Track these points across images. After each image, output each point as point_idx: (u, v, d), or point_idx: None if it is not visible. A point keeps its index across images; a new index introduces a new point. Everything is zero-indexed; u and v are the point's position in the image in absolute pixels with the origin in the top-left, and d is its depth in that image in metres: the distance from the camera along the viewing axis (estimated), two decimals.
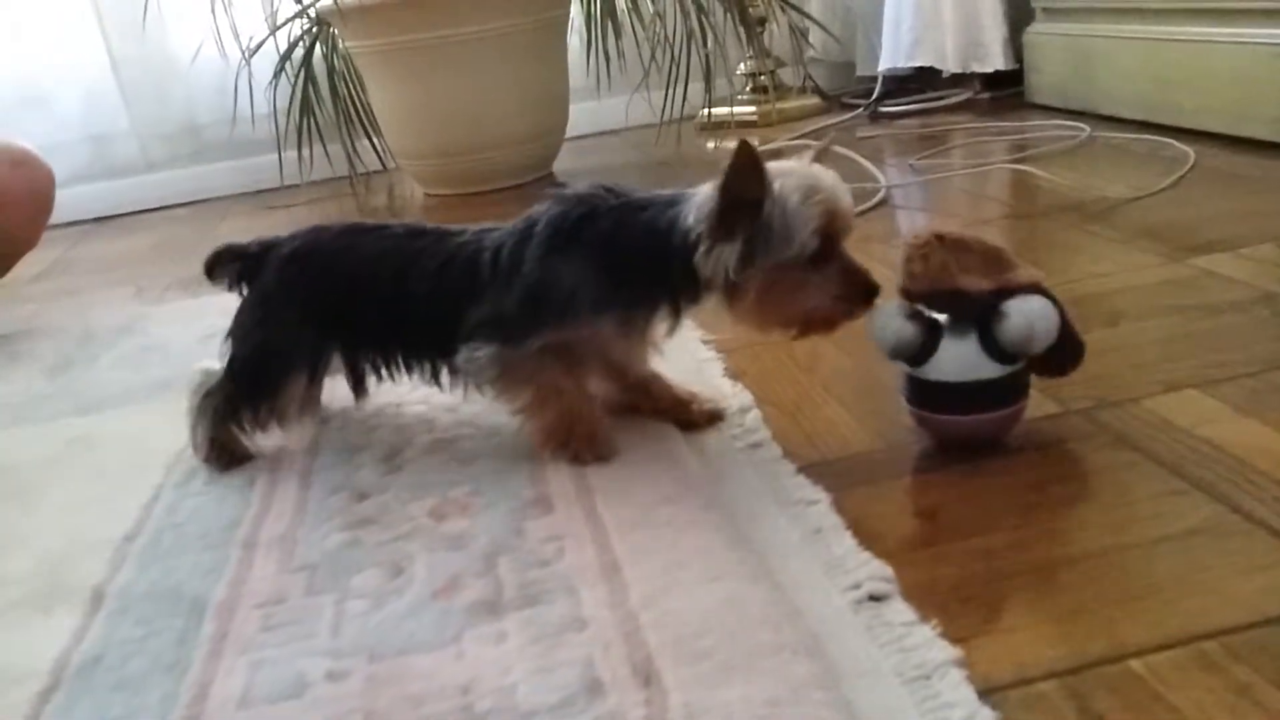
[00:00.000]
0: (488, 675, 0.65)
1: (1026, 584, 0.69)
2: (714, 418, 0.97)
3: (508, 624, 0.70)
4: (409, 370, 0.98)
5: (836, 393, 1.01)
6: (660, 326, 0.92)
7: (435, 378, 0.96)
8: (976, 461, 0.85)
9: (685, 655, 0.64)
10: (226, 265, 1.01)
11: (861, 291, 0.85)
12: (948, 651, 0.62)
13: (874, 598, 0.68)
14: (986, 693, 0.59)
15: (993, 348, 0.83)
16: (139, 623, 0.76)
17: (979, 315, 0.84)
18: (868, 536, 0.75)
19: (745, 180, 0.82)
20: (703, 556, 0.74)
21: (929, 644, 0.63)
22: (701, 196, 0.85)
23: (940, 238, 0.85)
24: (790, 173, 0.85)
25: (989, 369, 0.83)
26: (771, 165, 0.84)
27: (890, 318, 0.85)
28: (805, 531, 0.77)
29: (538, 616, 0.70)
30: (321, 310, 0.97)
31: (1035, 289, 0.85)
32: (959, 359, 0.84)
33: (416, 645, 0.69)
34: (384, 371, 0.99)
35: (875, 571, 0.70)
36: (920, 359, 0.85)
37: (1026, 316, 0.82)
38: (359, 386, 1.01)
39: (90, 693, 0.69)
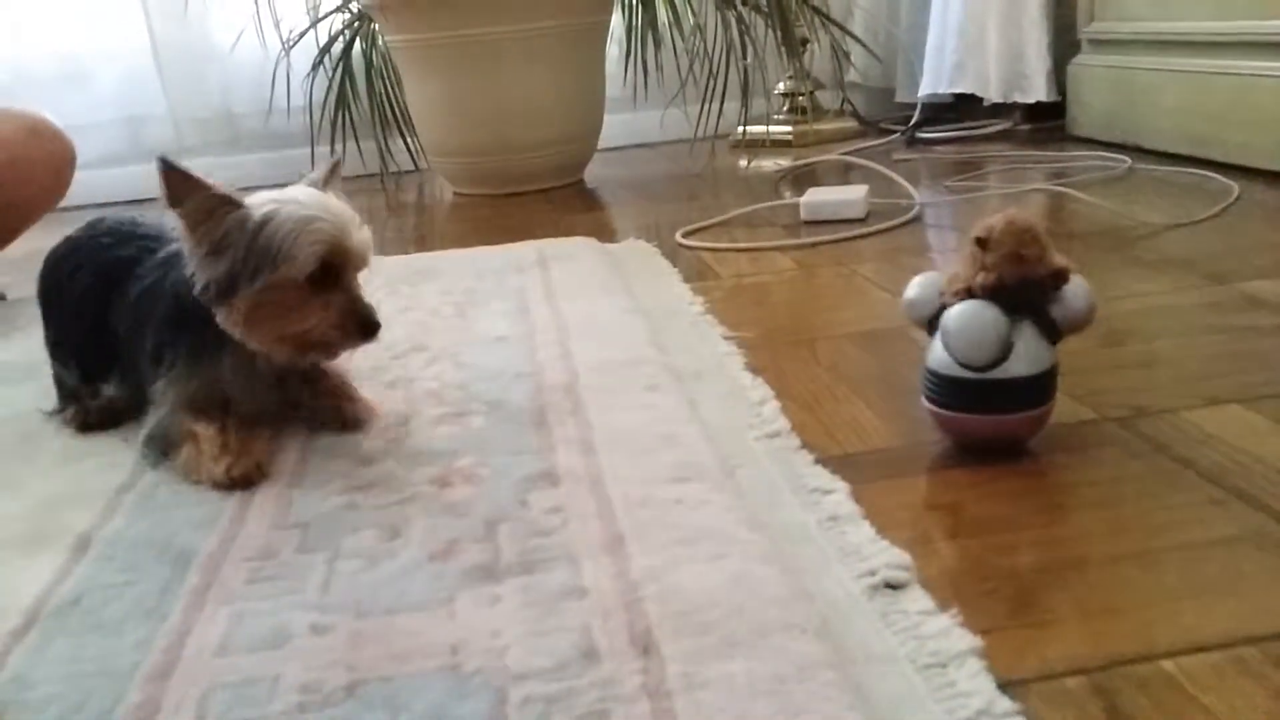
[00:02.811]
0: (478, 637, 0.61)
1: (1054, 581, 0.66)
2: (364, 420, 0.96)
3: (504, 589, 0.66)
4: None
5: (859, 390, 0.98)
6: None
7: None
8: (1003, 462, 0.81)
9: (687, 628, 0.60)
10: None
11: (359, 324, 0.88)
12: (966, 640, 0.58)
13: (890, 585, 0.64)
14: (1007, 685, 0.55)
15: (1050, 329, 0.80)
16: (123, 569, 0.73)
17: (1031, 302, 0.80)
18: (886, 527, 0.71)
19: (178, 189, 0.84)
20: (711, 535, 0.70)
21: (946, 632, 0.59)
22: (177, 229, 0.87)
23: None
24: (291, 199, 0.88)
25: (1039, 361, 0.80)
26: (271, 192, 0.88)
27: (993, 318, 0.79)
28: (821, 518, 0.74)
29: (536, 583, 0.67)
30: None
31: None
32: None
33: (407, 604, 0.66)
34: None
35: (892, 559, 0.66)
36: (1003, 359, 0.79)
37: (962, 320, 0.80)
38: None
39: (65, 633, 0.66)
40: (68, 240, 1.06)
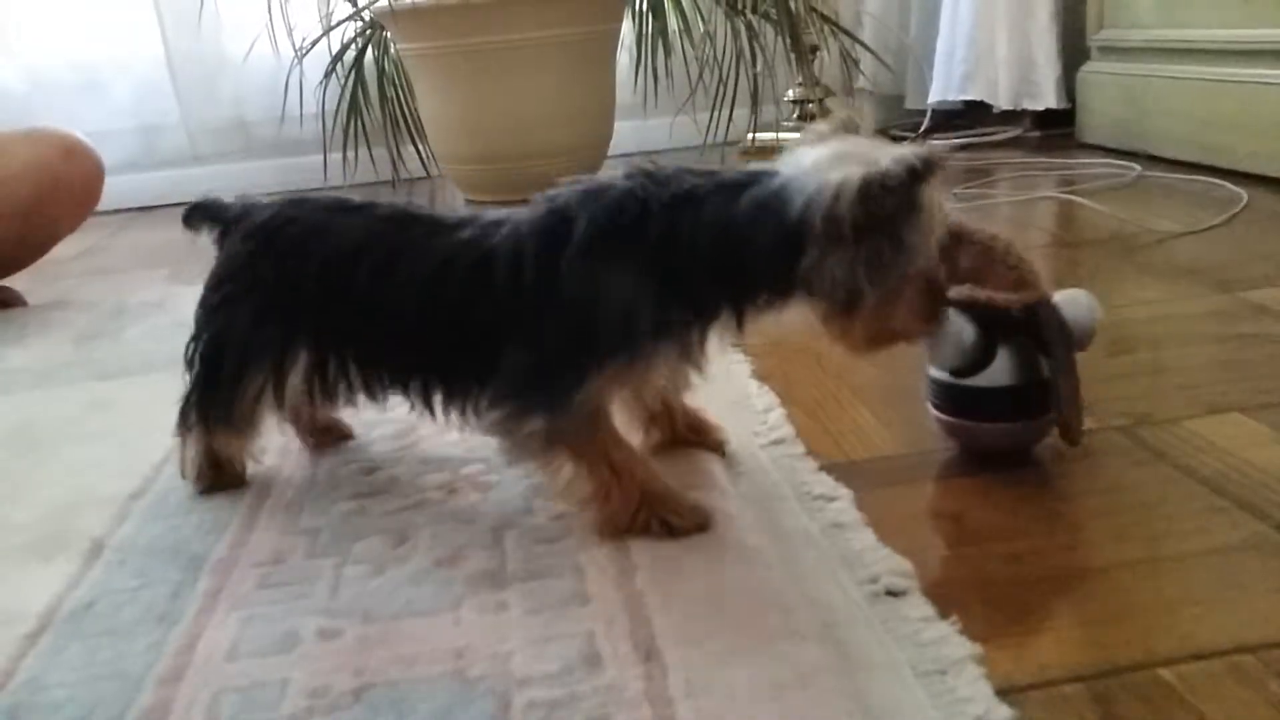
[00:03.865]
0: (484, 642, 0.62)
1: (1053, 589, 0.66)
2: (721, 447, 0.87)
3: (509, 595, 0.67)
4: (393, 389, 0.81)
5: (864, 397, 0.99)
6: (716, 339, 0.75)
7: (427, 404, 0.79)
8: (1006, 470, 0.81)
9: (691, 635, 0.61)
10: (202, 222, 0.87)
11: (940, 305, 0.75)
12: (966, 648, 0.59)
13: (891, 593, 0.65)
14: (1005, 692, 0.56)
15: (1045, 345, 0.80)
16: (135, 574, 0.74)
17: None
18: (888, 534, 0.72)
19: (900, 196, 0.66)
20: (715, 542, 0.71)
21: (946, 639, 0.60)
22: (821, 187, 0.66)
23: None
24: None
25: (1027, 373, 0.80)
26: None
27: (957, 326, 0.79)
28: (823, 525, 0.74)
29: (541, 589, 0.67)
30: (288, 299, 0.81)
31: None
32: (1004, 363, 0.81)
33: (414, 610, 0.67)
34: (361, 386, 0.81)
35: (894, 566, 0.67)
36: (979, 367, 0.80)
37: (1070, 306, 0.79)
38: (327, 394, 0.82)
39: (79, 637, 0.67)
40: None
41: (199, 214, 0.88)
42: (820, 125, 0.75)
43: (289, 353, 0.81)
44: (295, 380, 0.81)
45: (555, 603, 0.66)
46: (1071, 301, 0.81)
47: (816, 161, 0.69)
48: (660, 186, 0.71)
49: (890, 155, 0.66)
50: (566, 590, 0.67)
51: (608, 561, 0.70)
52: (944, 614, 0.62)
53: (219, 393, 0.84)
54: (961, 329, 0.79)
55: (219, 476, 0.87)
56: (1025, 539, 0.72)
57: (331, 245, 0.80)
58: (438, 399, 0.78)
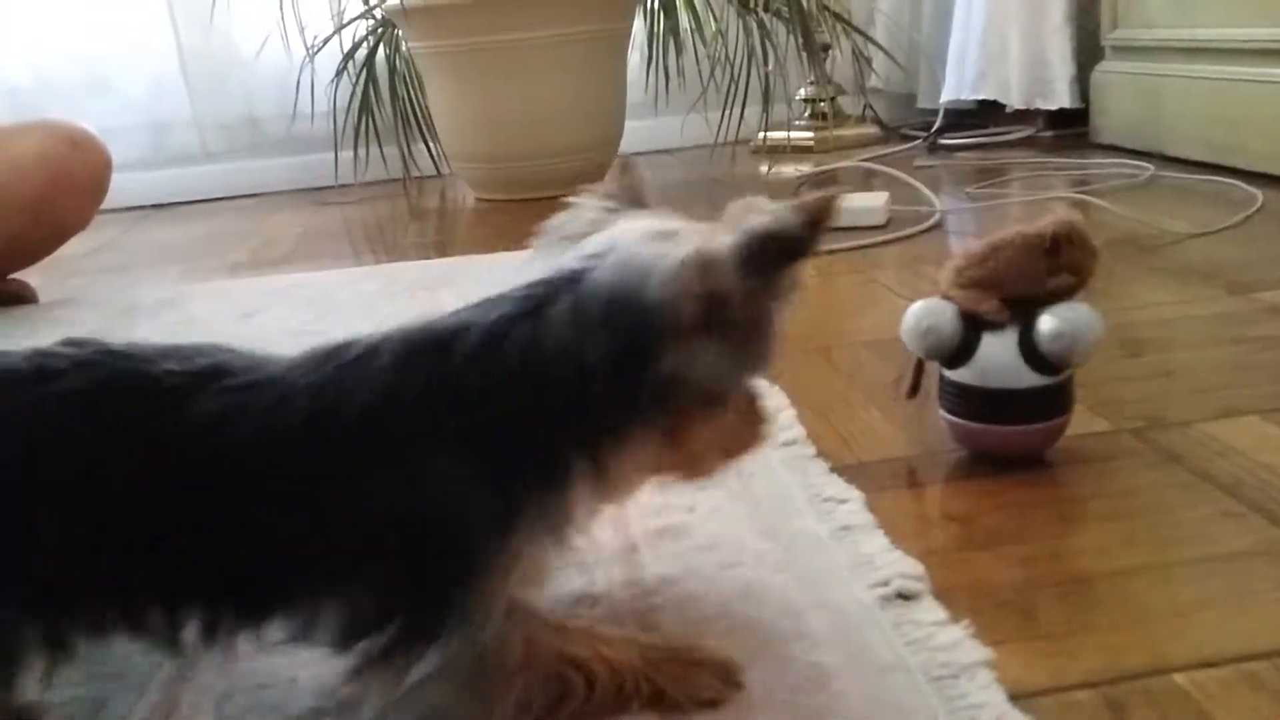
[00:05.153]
0: None
1: (1066, 594, 0.66)
2: None
3: None
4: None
5: (875, 398, 0.98)
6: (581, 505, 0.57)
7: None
8: (1019, 473, 0.81)
9: (699, 637, 0.60)
10: None
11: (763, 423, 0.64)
12: (978, 652, 0.58)
13: (903, 596, 0.64)
14: (1018, 697, 0.55)
15: (1031, 354, 0.79)
16: None
17: (1020, 320, 0.80)
18: (900, 537, 0.71)
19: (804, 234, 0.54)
20: (725, 544, 0.71)
21: (959, 644, 0.59)
22: (678, 265, 0.53)
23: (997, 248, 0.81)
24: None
25: (1029, 377, 0.79)
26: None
27: (929, 310, 0.81)
28: (834, 528, 0.74)
29: (549, 590, 0.67)
30: None
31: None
32: (1000, 364, 0.80)
33: None
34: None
35: (905, 570, 0.66)
36: (958, 360, 0.81)
37: (1070, 324, 0.78)
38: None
39: None
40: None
41: None
42: (584, 201, 0.62)
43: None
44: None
45: (563, 604, 0.65)
46: (1073, 316, 0.79)
47: (629, 244, 0.55)
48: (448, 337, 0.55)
49: (731, 226, 0.55)
50: (574, 591, 0.67)
51: (616, 561, 0.70)
52: (956, 618, 0.61)
53: None
54: (932, 310, 0.81)
55: None
56: (1037, 543, 0.72)
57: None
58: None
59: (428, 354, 0.55)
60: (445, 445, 0.53)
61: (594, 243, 0.57)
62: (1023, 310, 0.79)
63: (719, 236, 0.55)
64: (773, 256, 0.54)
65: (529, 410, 0.54)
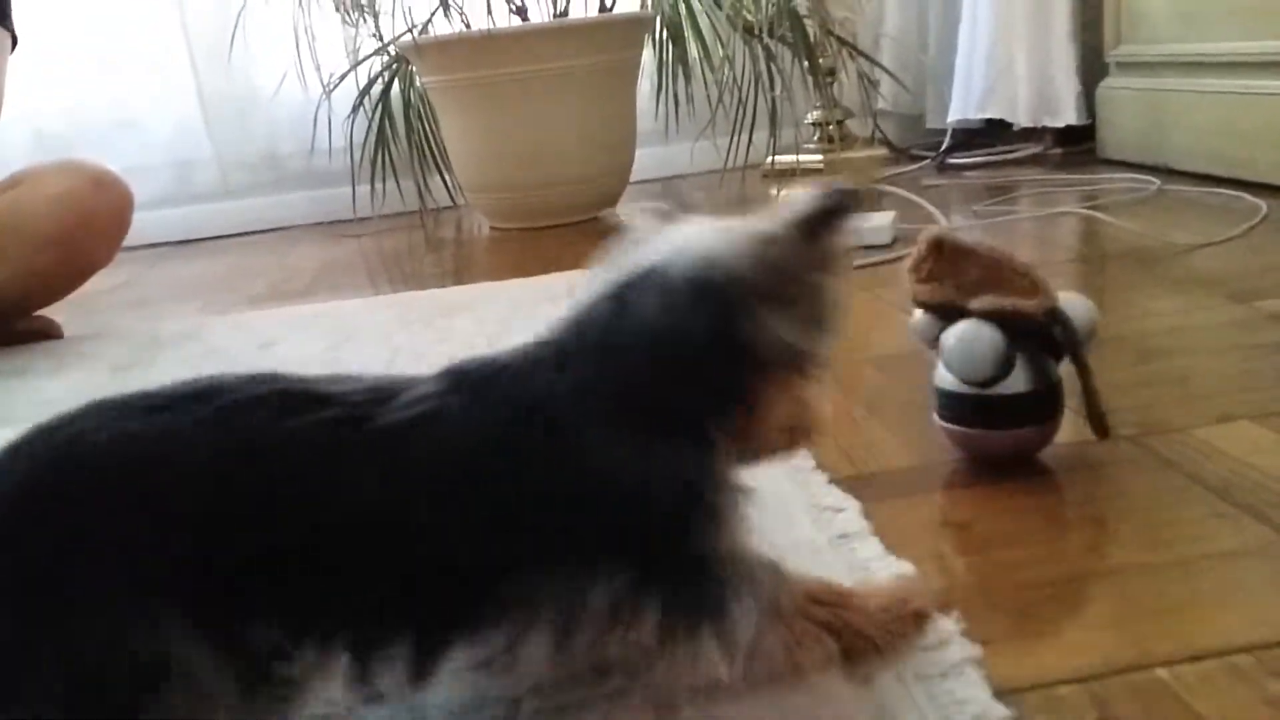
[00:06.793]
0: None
1: (1055, 594, 0.67)
2: None
3: None
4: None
5: (878, 412, 1.00)
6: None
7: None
8: (1016, 479, 0.82)
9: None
10: None
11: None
12: (965, 650, 0.60)
13: None
14: (1003, 693, 0.57)
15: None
16: None
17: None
18: (896, 544, 0.73)
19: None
20: None
21: (946, 642, 0.61)
22: (745, 241, 0.59)
23: (939, 245, 0.83)
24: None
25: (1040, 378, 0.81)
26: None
27: (986, 333, 0.80)
28: (831, 536, 0.75)
29: None
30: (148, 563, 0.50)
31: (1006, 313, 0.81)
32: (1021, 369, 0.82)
33: None
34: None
35: (899, 573, 0.68)
36: (1003, 375, 0.81)
37: (961, 341, 0.81)
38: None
39: None
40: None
41: None
42: (642, 211, 0.65)
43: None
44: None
45: None
46: (1069, 305, 0.81)
47: (694, 236, 0.60)
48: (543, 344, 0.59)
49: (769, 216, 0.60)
50: None
51: None
52: (946, 618, 0.63)
53: None
54: (992, 338, 0.80)
55: None
56: (1030, 545, 0.73)
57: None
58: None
59: (569, 356, 0.58)
60: (637, 427, 0.56)
61: (661, 239, 0.60)
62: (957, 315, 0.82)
63: (771, 220, 0.60)
64: (822, 223, 0.58)
65: (674, 387, 0.57)
